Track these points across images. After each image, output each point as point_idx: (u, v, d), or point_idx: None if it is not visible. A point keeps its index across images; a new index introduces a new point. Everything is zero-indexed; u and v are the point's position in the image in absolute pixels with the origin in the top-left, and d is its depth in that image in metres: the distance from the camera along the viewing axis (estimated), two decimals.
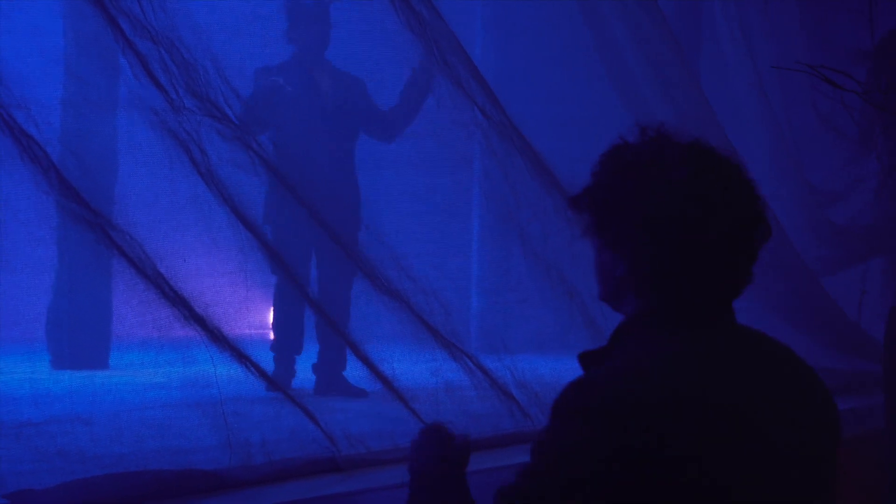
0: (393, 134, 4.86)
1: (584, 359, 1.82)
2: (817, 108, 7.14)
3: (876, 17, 5.56)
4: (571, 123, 5.40)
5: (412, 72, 4.54)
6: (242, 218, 3.40)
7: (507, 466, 3.39)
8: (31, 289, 4.89)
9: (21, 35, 3.01)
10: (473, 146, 4.17)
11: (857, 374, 5.40)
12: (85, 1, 3.08)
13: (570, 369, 1.77)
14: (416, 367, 3.93)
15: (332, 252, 4.00)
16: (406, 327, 3.94)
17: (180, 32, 3.46)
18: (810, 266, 6.22)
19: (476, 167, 4.17)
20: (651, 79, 5.33)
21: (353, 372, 4.07)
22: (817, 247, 6.73)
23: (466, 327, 4.19)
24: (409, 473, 1.99)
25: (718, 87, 6.37)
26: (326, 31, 5.04)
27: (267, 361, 3.36)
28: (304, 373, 4.72)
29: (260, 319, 3.93)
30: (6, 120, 2.82)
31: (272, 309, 4.63)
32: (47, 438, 3.59)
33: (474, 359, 4.14)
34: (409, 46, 3.95)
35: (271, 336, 4.70)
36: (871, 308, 6.06)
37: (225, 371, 3.24)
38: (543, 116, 5.12)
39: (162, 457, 3.18)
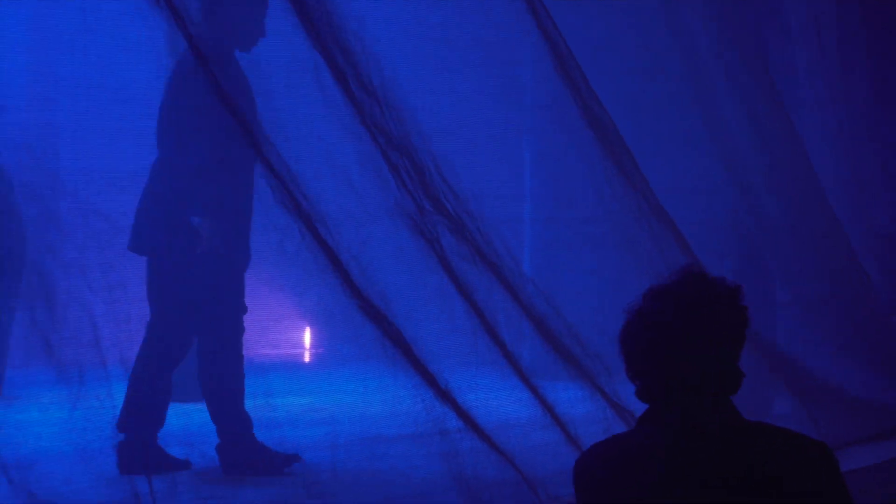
0: None
1: None
2: (882, 158, 7.73)
3: None
4: (692, 191, 5.94)
5: None
6: (473, 305, 3.93)
7: None
8: None
9: (315, 156, 3.53)
10: (638, 227, 4.71)
11: None
12: (359, 123, 3.61)
13: None
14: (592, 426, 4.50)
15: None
16: (584, 391, 4.50)
17: (412, 139, 3.99)
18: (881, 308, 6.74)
19: (642, 247, 4.70)
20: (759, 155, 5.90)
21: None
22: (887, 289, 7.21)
23: (625, 386, 4.71)
24: None
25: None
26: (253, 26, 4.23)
27: None
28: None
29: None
30: (315, 234, 3.35)
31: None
32: None
33: (634, 415, 4.70)
34: (591, 144, 4.48)
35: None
36: None
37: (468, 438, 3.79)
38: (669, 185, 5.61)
39: None
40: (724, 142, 6.04)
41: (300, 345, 5.71)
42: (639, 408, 4.66)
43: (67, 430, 3.17)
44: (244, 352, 3.80)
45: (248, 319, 3.95)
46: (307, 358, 6.65)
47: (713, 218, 6.21)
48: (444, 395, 3.77)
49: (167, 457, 4.09)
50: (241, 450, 4.14)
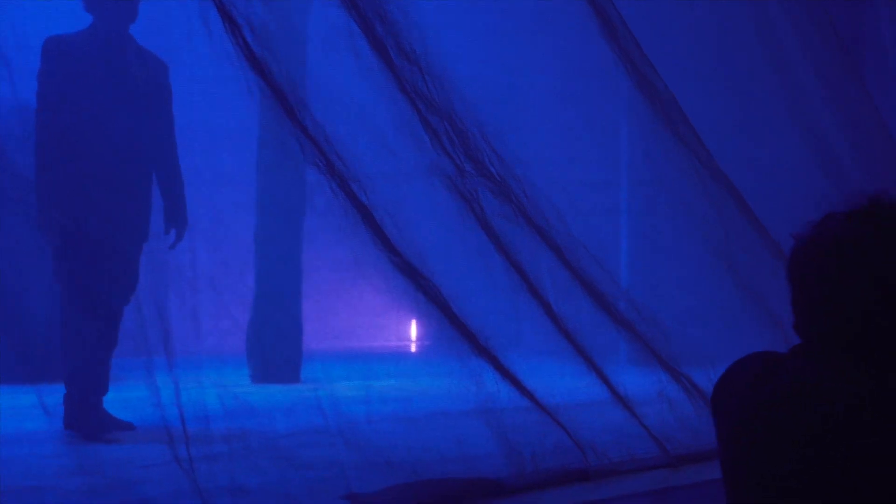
0: None
1: None
2: None
3: None
4: (757, 160, 5.91)
5: None
6: (514, 263, 4.03)
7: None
8: None
9: (350, 119, 3.70)
10: (692, 190, 4.73)
11: None
12: (396, 89, 3.76)
13: None
14: (645, 388, 4.54)
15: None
16: (637, 355, 4.55)
17: (455, 106, 4.11)
18: None
19: (697, 209, 4.72)
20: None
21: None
22: None
23: (682, 351, 4.73)
24: None
25: None
26: (133, 2, 4.62)
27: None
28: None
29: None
30: (347, 191, 3.51)
31: None
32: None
33: (690, 379, 4.71)
34: (644, 112, 4.54)
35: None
36: None
37: (506, 393, 3.90)
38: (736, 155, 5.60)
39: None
40: (807, 118, 6.00)
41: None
42: (694, 374, 4.71)
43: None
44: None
45: (355, 311, 4.21)
46: (413, 349, 6.86)
47: (797, 195, 6.17)
48: (483, 350, 3.89)
49: (112, 418, 4.58)
50: (87, 413, 4.52)
